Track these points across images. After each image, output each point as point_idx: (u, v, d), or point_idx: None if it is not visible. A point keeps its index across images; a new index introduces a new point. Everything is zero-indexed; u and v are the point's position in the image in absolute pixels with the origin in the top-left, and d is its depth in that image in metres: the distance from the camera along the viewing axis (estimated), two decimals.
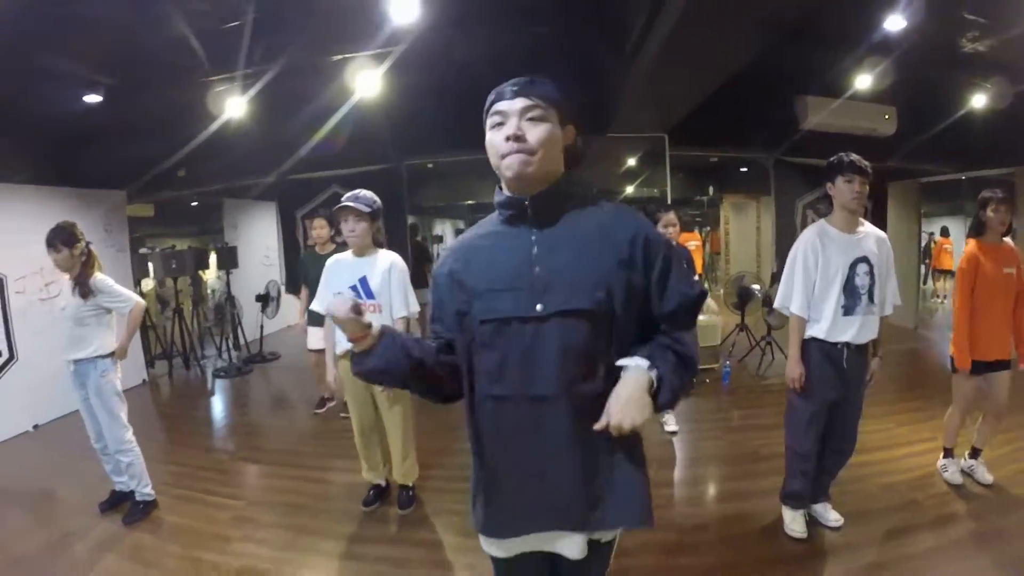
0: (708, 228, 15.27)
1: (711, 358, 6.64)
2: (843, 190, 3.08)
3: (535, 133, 1.53)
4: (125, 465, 3.88)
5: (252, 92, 5.28)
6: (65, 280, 3.85)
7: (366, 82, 5.03)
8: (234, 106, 5.41)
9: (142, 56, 4.82)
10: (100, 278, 3.83)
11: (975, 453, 3.99)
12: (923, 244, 10.97)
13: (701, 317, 6.72)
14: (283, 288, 9.01)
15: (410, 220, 9.15)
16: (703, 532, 3.58)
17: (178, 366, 7.94)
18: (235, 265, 8.44)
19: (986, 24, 4.89)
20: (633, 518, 1.63)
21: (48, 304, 5.92)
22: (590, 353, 1.53)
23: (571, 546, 1.64)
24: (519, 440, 1.58)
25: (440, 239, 18.26)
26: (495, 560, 1.78)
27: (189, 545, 3.55)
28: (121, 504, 3.99)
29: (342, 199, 3.58)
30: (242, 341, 8.28)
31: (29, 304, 5.88)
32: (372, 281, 3.60)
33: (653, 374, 1.49)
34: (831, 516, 3.47)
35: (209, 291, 9.72)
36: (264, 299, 8.18)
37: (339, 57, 4.88)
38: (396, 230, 7.48)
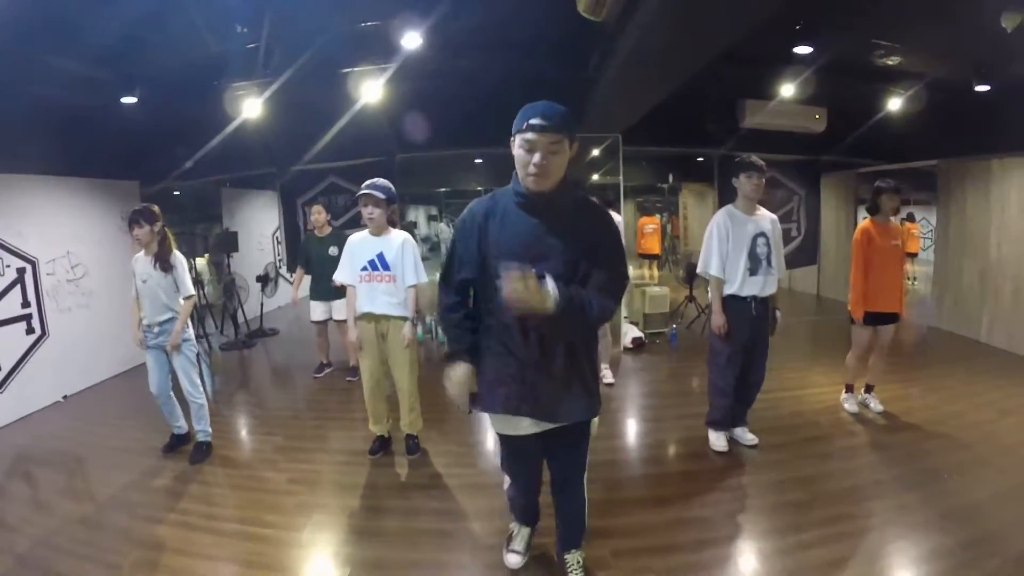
0: (668, 213, 16.08)
1: (661, 323, 7.79)
2: (744, 184, 4.10)
3: (553, 162, 2.25)
4: (196, 407, 4.48)
5: (266, 96, 5.88)
6: (141, 256, 4.35)
7: (369, 90, 5.80)
8: (250, 108, 6.01)
9: (172, 63, 5.41)
10: (179, 256, 4.38)
11: (869, 388, 5.08)
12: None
13: (653, 289, 7.75)
14: (283, 269, 9.74)
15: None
16: (644, 450, 4.64)
17: None
18: (235, 249, 9.10)
19: (890, 46, 5.79)
20: (585, 413, 2.52)
21: (75, 285, 6.48)
22: None
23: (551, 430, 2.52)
24: (516, 352, 2.40)
25: (414, 224, 18.76)
26: (502, 437, 2.67)
27: (247, 468, 4.39)
28: (180, 447, 4.64)
29: (362, 187, 4.10)
30: (240, 319, 8.92)
31: (58, 285, 6.30)
32: (388, 256, 4.15)
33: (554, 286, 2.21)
34: (748, 437, 4.44)
35: (196, 274, 10.36)
36: (264, 280, 8.91)
37: (346, 70, 5.64)
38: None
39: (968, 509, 3.46)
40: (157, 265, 4.29)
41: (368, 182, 4.16)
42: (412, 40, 4.94)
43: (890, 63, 6.21)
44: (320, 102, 6.38)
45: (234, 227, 9.81)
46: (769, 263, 4.16)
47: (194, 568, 3.19)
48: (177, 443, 4.69)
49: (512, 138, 2.30)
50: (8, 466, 4.64)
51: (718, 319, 4.18)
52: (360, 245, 4.25)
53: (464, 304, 2.54)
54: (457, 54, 5.58)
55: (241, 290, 8.86)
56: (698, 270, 4.38)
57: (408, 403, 4.41)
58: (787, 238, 8.59)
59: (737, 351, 4.21)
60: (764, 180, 4.11)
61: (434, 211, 21.39)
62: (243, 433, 5.25)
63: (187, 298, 4.41)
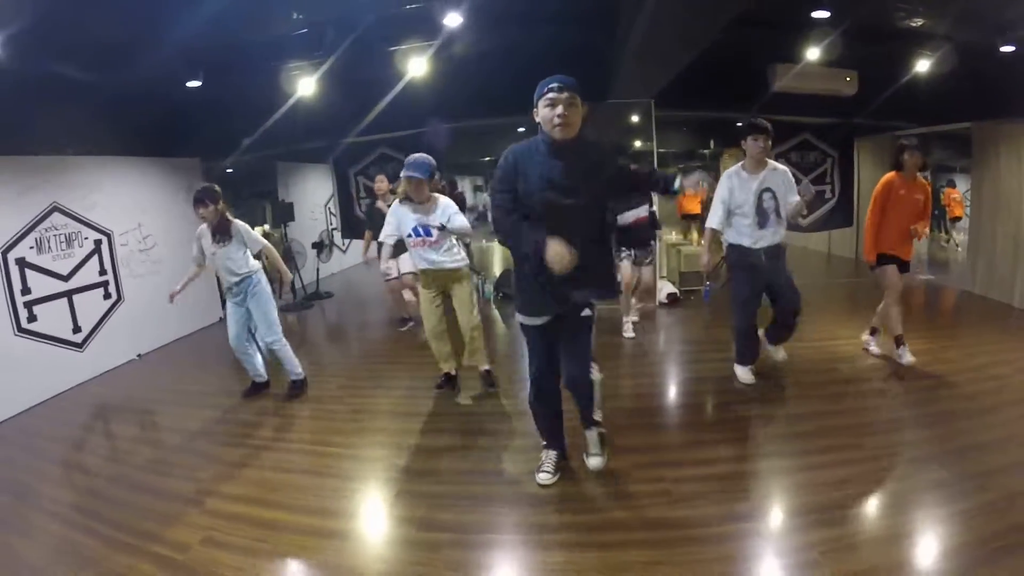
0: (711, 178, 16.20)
1: (696, 281, 8.15)
2: (750, 146, 4.45)
3: (573, 113, 2.88)
4: (281, 349, 5.04)
5: (319, 74, 6.35)
6: (205, 229, 4.82)
7: (415, 65, 6.23)
8: (305, 86, 6.49)
9: (232, 48, 5.82)
10: (238, 224, 4.83)
11: (900, 342, 5.18)
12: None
13: (688, 248, 8.08)
14: (336, 236, 10.26)
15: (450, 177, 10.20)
16: (672, 387, 5.15)
17: None
18: (291, 218, 9.67)
19: (910, 7, 5.93)
20: (605, 294, 3.21)
21: (146, 254, 7.10)
22: (591, 220, 3.03)
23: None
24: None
25: (462, 194, 19.06)
26: (524, 327, 3.29)
27: (317, 403, 5.02)
28: (259, 393, 5.18)
29: (405, 166, 4.45)
30: (298, 284, 9.57)
31: (131, 254, 6.91)
32: (431, 225, 4.54)
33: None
34: (780, 354, 4.96)
35: None
36: (319, 246, 9.50)
37: (393, 48, 6.06)
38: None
39: (970, 449, 3.67)
40: (217, 238, 4.77)
41: (408, 160, 4.48)
42: (453, 19, 5.35)
43: (914, 25, 6.30)
44: (369, 78, 6.79)
45: (289, 199, 10.34)
46: (778, 215, 4.50)
47: (267, 478, 3.77)
48: (255, 390, 5.22)
49: (535, 107, 2.94)
50: (94, 411, 5.32)
51: (703, 258, 4.93)
52: (403, 212, 4.62)
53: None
54: (495, 28, 5.93)
55: (298, 255, 9.44)
56: (706, 223, 4.79)
57: (478, 341, 4.90)
58: (821, 200, 8.77)
59: (753, 295, 4.61)
60: (770, 141, 4.45)
61: (479, 181, 21.56)
62: (322, 374, 5.78)
63: (263, 249, 4.99)
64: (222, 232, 4.78)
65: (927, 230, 5.14)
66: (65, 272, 5.98)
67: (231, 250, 4.81)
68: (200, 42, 5.28)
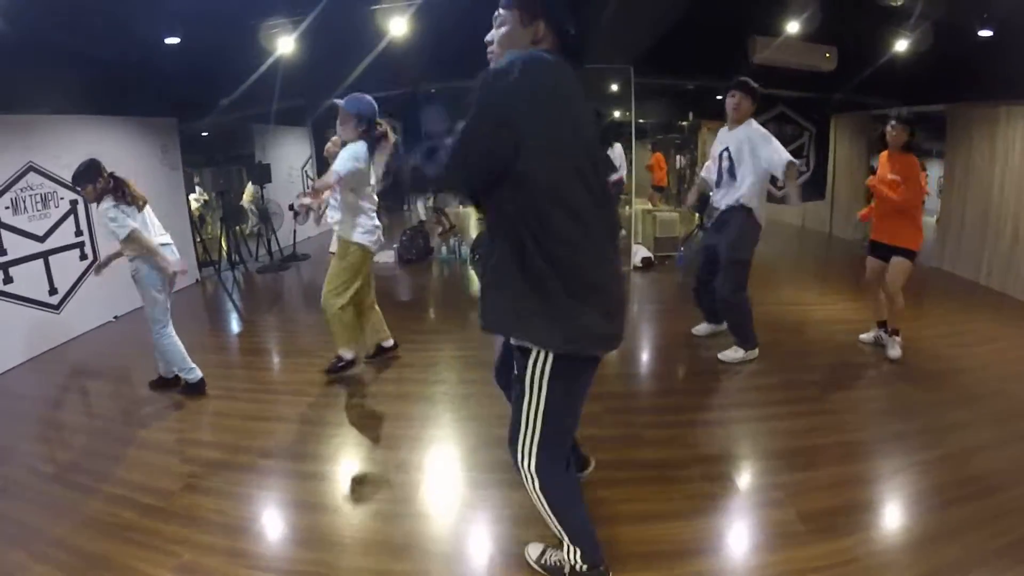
0: (688, 151, 16.43)
1: (670, 246, 8.33)
2: (727, 102, 4.47)
3: (497, 35, 2.00)
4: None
5: (297, 32, 6.26)
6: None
7: (395, 25, 6.17)
8: (283, 45, 6.39)
9: (208, 7, 5.60)
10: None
11: (894, 332, 4.88)
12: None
13: (663, 213, 8.22)
14: None
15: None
16: (642, 342, 5.33)
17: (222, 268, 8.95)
18: (269, 180, 9.58)
19: None
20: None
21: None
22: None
23: None
24: None
25: None
26: (566, 369, 2.01)
27: (305, 354, 5.12)
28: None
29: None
30: (274, 247, 9.62)
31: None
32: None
33: None
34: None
35: (245, 205, 10.88)
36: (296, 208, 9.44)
37: (375, 7, 6.01)
38: (414, 144, 8.52)
39: (930, 406, 3.92)
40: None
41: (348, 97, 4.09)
42: None
43: (893, 3, 6.38)
44: (349, 38, 6.69)
45: (266, 160, 10.25)
46: (732, 176, 4.48)
47: (245, 426, 3.89)
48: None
49: (544, 17, 1.97)
50: (72, 372, 5.36)
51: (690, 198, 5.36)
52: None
53: None
54: None
55: (275, 216, 9.41)
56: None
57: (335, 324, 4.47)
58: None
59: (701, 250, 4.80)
60: (748, 98, 4.44)
61: None
62: (290, 333, 5.89)
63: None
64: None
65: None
66: (41, 233, 5.89)
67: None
68: None
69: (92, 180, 4.06)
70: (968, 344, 5.15)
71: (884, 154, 4.79)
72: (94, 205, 4.16)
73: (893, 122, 4.66)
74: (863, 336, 5.13)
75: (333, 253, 4.61)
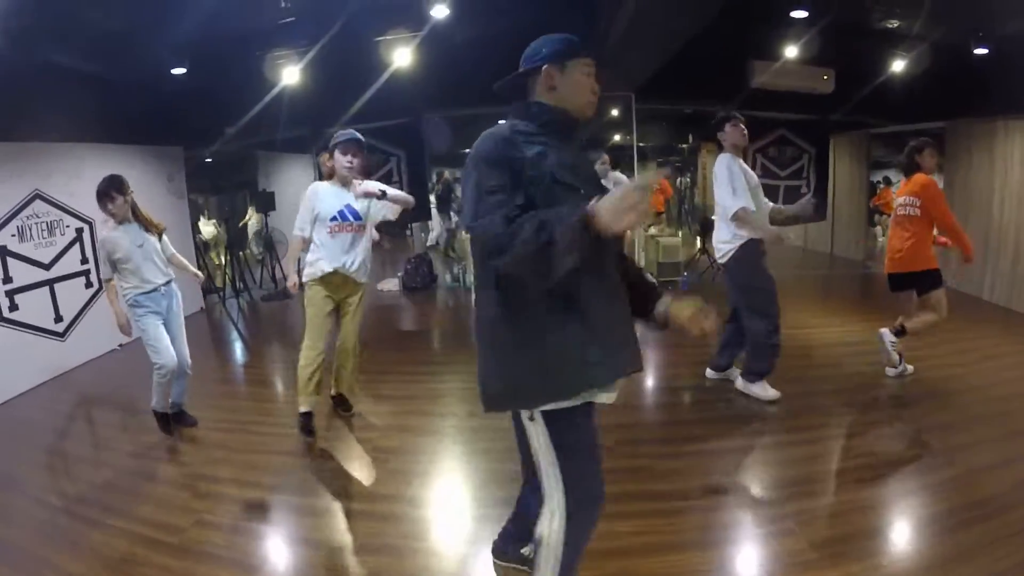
0: (689, 172, 16.44)
1: (673, 271, 8.31)
2: (735, 131, 4.36)
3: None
4: (187, 379, 4.31)
5: (303, 63, 6.36)
6: (118, 228, 3.98)
7: (399, 56, 6.25)
8: (289, 75, 6.49)
9: (218, 36, 5.72)
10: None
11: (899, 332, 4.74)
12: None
13: (667, 239, 8.22)
14: None
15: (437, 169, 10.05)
16: (657, 370, 5.32)
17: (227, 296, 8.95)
18: (273, 208, 9.66)
19: (887, 8, 6.09)
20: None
21: None
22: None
23: None
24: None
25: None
26: (574, 418, 1.95)
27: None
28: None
29: (344, 134, 3.99)
30: (279, 274, 9.62)
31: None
32: (357, 205, 4.06)
33: None
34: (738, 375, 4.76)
35: (251, 233, 10.92)
36: None
37: (379, 39, 6.10)
38: (418, 173, 8.66)
39: (936, 428, 3.91)
40: (149, 230, 4.11)
41: (349, 131, 4.07)
42: (440, 11, 5.38)
43: (890, 25, 6.47)
44: (353, 68, 6.78)
45: (270, 188, 10.30)
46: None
47: (253, 460, 3.85)
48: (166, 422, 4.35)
49: (558, 63, 1.97)
50: (78, 400, 5.36)
51: (771, 233, 4.30)
52: (324, 194, 4.06)
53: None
54: (478, 19, 5.96)
55: (279, 244, 9.45)
56: (739, 206, 4.16)
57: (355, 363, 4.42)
58: (797, 195, 8.92)
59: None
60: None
61: (459, 173, 21.77)
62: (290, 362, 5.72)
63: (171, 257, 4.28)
64: (148, 224, 4.12)
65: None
66: (47, 261, 5.91)
67: (157, 242, 4.16)
68: (187, 29, 5.24)
69: (124, 192, 3.96)
70: (974, 362, 5.17)
71: (926, 180, 4.51)
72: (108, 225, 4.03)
73: (932, 145, 4.57)
74: (890, 371, 4.83)
75: None
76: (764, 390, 4.39)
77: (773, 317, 4.26)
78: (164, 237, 4.23)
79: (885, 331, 4.73)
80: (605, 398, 1.96)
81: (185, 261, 4.44)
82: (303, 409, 4.11)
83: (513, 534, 2.47)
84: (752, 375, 4.43)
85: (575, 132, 2.05)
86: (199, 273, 4.54)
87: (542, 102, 1.98)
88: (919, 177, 4.53)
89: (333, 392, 4.49)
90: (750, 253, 4.21)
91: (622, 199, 1.54)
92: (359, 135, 4.04)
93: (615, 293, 2.00)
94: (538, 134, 1.89)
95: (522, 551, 2.46)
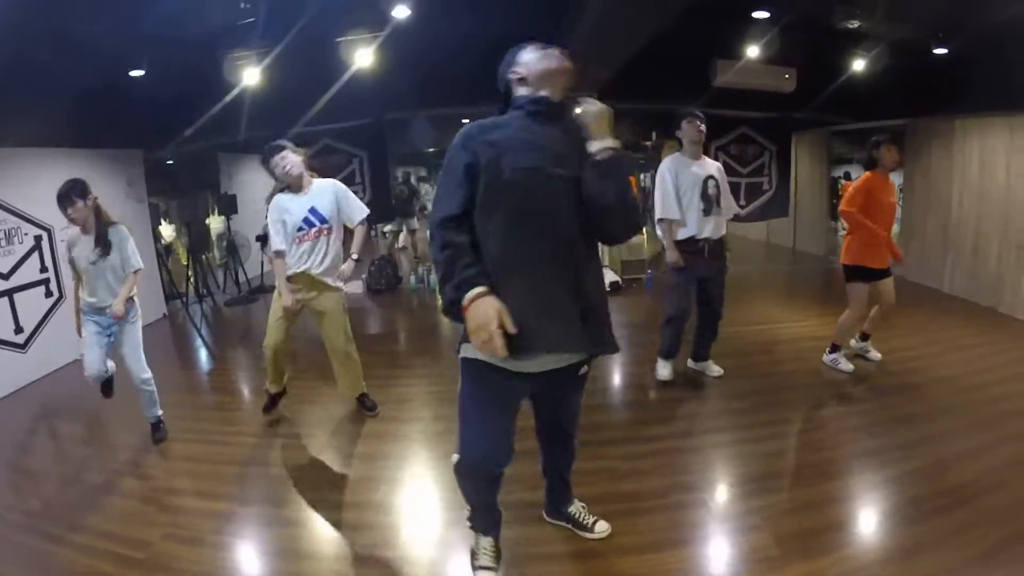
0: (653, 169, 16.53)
1: (638, 269, 8.41)
2: (690, 129, 4.50)
3: None
4: (149, 393, 4.13)
5: (264, 64, 6.23)
6: (78, 234, 3.87)
7: (361, 56, 6.17)
8: (249, 76, 6.34)
9: (176, 37, 5.54)
10: (121, 230, 3.93)
11: (865, 337, 5.12)
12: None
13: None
14: None
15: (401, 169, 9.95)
16: (613, 369, 5.27)
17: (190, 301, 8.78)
18: (235, 211, 9.52)
19: (848, 8, 6.17)
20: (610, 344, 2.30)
21: None
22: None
23: None
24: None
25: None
26: (483, 370, 2.20)
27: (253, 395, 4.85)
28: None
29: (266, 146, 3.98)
30: (242, 278, 9.49)
31: None
32: (322, 208, 4.01)
33: None
34: (714, 369, 4.93)
35: (215, 236, 10.74)
36: (264, 239, 9.31)
37: (340, 39, 6.02)
38: (380, 173, 8.51)
39: (899, 421, 3.98)
40: (98, 249, 3.82)
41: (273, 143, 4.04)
42: (401, 11, 5.33)
43: (851, 26, 6.56)
44: (314, 68, 6.68)
45: (232, 190, 10.14)
46: (718, 204, 4.52)
47: (220, 472, 3.77)
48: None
49: (519, 66, 2.24)
50: (41, 413, 5.19)
51: (672, 255, 4.49)
52: (289, 204, 4.00)
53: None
54: (441, 18, 5.92)
55: (242, 248, 9.30)
56: (657, 216, 4.56)
57: (357, 368, 4.42)
58: (759, 192, 9.04)
59: (691, 283, 4.60)
60: (704, 129, 4.49)
61: (423, 172, 21.79)
62: (259, 368, 5.63)
63: (135, 272, 3.99)
64: (101, 240, 3.83)
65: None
66: (6, 270, 5.74)
67: (113, 260, 3.90)
68: (145, 30, 5.14)
69: (84, 196, 3.78)
70: (938, 354, 5.27)
71: (875, 179, 4.59)
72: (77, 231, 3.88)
73: (889, 142, 4.61)
74: (843, 367, 4.91)
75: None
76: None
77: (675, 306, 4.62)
78: (131, 245, 3.96)
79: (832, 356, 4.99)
80: (511, 365, 2.08)
81: (124, 291, 3.93)
82: (268, 388, 4.43)
83: (554, 493, 2.90)
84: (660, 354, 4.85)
85: (560, 115, 2.22)
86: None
87: (522, 94, 2.23)
88: (863, 174, 4.71)
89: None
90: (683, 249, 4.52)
91: (477, 328, 1.88)
92: (280, 140, 4.08)
93: (559, 267, 2.08)
94: (508, 124, 2.15)
95: (569, 509, 2.89)
